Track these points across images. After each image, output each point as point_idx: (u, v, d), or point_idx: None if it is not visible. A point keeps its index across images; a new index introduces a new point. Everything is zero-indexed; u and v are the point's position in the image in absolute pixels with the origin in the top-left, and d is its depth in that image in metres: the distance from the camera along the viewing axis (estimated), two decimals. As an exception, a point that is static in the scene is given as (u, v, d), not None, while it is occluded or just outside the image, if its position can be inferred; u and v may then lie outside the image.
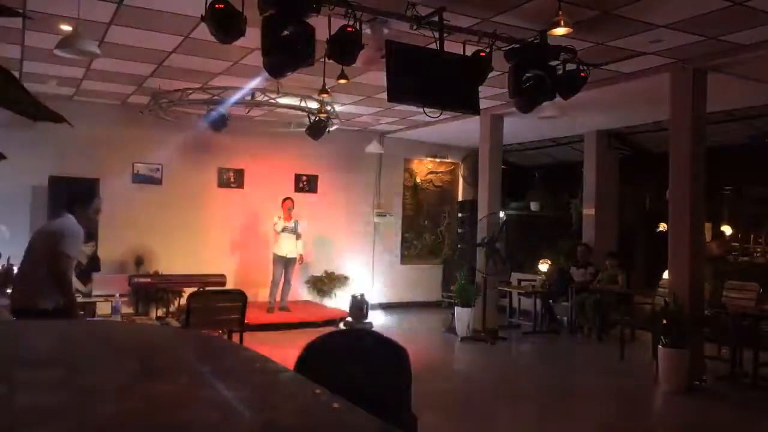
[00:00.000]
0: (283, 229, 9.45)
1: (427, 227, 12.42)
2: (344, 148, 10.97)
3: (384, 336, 1.10)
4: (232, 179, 10.52)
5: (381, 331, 1.18)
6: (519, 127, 9.45)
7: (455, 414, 5.64)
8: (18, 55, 6.87)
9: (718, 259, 10.59)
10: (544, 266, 10.19)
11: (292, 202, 9.67)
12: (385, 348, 1.09)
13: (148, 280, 8.68)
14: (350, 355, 1.06)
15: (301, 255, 9.71)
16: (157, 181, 9.92)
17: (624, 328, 7.90)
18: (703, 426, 5.64)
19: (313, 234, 10.89)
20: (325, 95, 7.34)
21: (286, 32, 4.23)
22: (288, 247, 9.52)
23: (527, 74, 5.49)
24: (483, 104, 6.72)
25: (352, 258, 11.40)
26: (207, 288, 7.48)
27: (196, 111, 8.79)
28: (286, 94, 8.11)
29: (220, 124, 8.35)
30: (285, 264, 9.55)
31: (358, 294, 9.71)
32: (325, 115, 8.57)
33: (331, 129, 9.02)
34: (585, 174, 10.67)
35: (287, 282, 9.64)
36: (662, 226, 10.76)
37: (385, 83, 5.02)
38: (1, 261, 6.82)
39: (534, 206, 12.12)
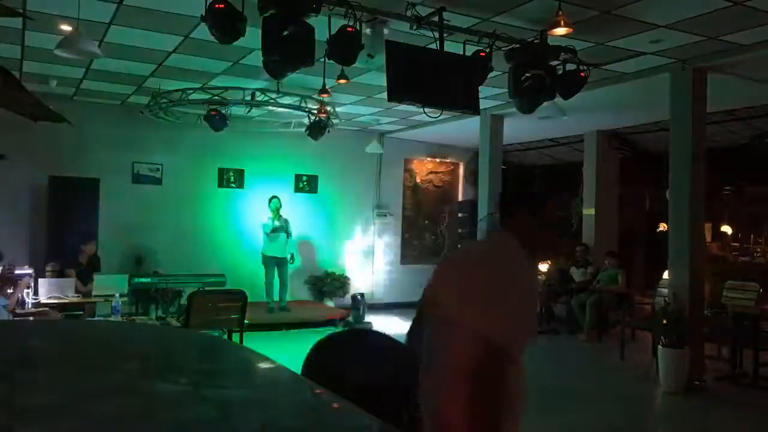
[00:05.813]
0: (273, 230, 9.39)
1: (427, 227, 12.42)
2: (344, 148, 10.96)
3: (391, 337, 1.10)
4: (232, 179, 10.53)
5: (381, 332, 1.18)
6: (519, 127, 9.44)
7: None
8: (18, 55, 6.87)
9: (718, 259, 10.60)
10: (544, 266, 10.18)
11: (280, 201, 9.59)
12: (393, 349, 1.09)
13: (148, 280, 8.66)
14: (358, 355, 1.06)
15: (292, 254, 9.67)
16: (157, 181, 9.92)
17: (624, 328, 7.90)
18: (703, 426, 5.64)
19: (313, 234, 10.92)
20: (325, 95, 7.34)
21: (285, 32, 4.23)
22: (278, 247, 9.47)
23: (527, 74, 5.49)
24: (483, 104, 6.73)
25: (352, 258, 11.40)
26: (207, 288, 7.47)
27: (196, 111, 8.78)
28: (286, 94, 8.10)
29: None
30: (277, 264, 9.50)
31: (358, 294, 9.70)
32: (325, 115, 8.57)
33: (330, 129, 9.01)
34: (585, 174, 10.66)
35: (283, 282, 9.58)
36: (662, 226, 10.78)
37: (385, 83, 5.02)
38: (2, 263, 6.82)
39: (534, 206, 12.09)
